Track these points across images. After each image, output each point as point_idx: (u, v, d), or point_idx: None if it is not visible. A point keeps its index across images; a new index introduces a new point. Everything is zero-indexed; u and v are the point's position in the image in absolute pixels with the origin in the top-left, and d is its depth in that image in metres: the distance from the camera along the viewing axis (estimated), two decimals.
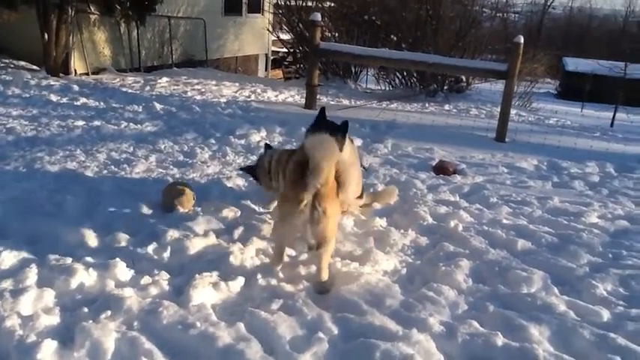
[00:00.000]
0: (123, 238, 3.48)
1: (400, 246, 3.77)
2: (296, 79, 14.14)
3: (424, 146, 7.06)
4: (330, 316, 2.71)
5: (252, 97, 10.28)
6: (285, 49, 16.60)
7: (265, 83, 12.49)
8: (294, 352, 2.40)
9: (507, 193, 5.25)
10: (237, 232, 3.73)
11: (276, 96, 10.68)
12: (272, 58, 19.65)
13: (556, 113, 12.30)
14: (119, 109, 7.87)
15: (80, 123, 6.73)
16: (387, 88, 13.87)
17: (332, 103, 10.64)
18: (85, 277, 2.89)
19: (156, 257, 3.26)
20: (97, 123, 6.80)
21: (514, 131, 8.27)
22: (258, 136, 6.73)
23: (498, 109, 8.57)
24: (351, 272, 3.20)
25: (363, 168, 5.83)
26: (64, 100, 8.19)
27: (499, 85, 10.60)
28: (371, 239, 3.80)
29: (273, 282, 3.07)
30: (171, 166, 5.26)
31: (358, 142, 7.03)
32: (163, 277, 3.02)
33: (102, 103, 8.20)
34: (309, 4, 13.97)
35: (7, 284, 2.75)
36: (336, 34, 14.52)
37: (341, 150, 3.59)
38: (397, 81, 13.63)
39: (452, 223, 4.20)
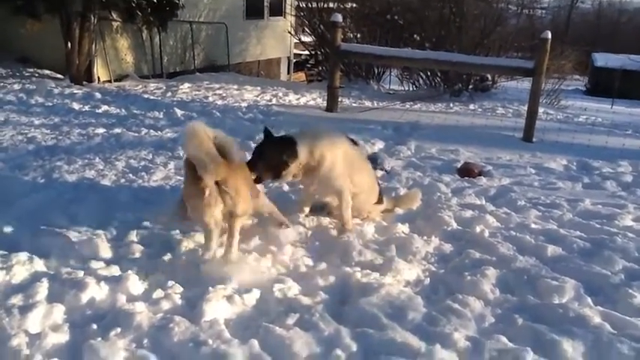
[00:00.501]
0: (137, 250, 3.41)
1: (423, 254, 3.62)
2: (318, 82, 14.01)
3: (448, 147, 6.88)
4: (349, 332, 2.57)
5: (274, 100, 10.21)
6: (307, 52, 16.49)
7: (287, 86, 12.41)
8: None
9: (536, 196, 5.05)
10: (253, 241, 3.62)
11: (298, 99, 10.59)
12: (294, 60, 19.59)
13: (585, 110, 11.92)
14: (140, 115, 7.86)
15: (100, 131, 6.72)
16: (411, 89, 13.65)
17: (354, 105, 10.49)
18: (96, 291, 2.81)
19: (169, 269, 3.17)
20: (117, 130, 6.78)
21: (542, 130, 8.02)
22: None
23: (525, 108, 8.33)
24: (371, 283, 3.05)
25: (385, 171, 5.70)
26: (86, 108, 8.22)
27: (526, 83, 10.37)
28: (392, 247, 3.65)
29: (290, 294, 2.95)
30: None
31: (380, 144, 6.89)
32: (176, 291, 2.92)
33: (123, 110, 8.20)
34: (330, 5, 13.83)
35: (17, 300, 2.68)
36: (358, 35, 14.36)
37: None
38: (421, 81, 13.40)
39: (477, 229, 4.03)
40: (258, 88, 11.55)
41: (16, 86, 9.39)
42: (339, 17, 8.77)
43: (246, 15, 16.02)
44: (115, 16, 10.93)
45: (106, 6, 10.25)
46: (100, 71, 11.18)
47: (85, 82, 10.45)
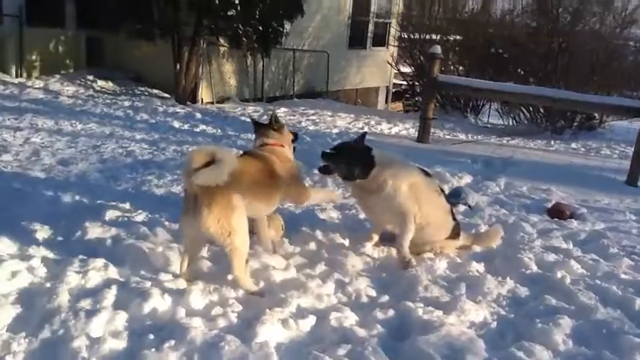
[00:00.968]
0: (205, 265, 3.51)
1: (495, 295, 3.42)
2: (415, 112, 13.91)
3: (541, 186, 6.51)
4: None
5: (366, 128, 10.24)
6: (405, 82, 16.49)
7: (381, 115, 12.42)
8: None
9: (631, 244, 4.63)
10: (319, 267, 3.61)
11: (390, 128, 10.55)
12: (394, 90, 19.59)
13: None
14: (233, 136, 8.18)
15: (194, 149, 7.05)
16: (511, 124, 13.16)
17: (447, 137, 10.28)
18: (159, 302, 2.91)
19: (232, 288, 3.21)
20: None
21: None
22: None
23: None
24: (432, 321, 2.92)
25: (468, 206, 5.49)
26: (185, 126, 8.69)
27: (637, 124, 9.62)
28: (462, 285, 3.49)
29: (346, 324, 2.89)
30: None
31: (467, 178, 6.66)
32: (235, 309, 2.96)
33: (219, 131, 8.59)
34: (433, 37, 13.73)
35: (85, 303, 2.83)
36: (460, 68, 14.13)
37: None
38: (522, 116, 12.88)
39: (559, 274, 3.75)
40: (352, 115, 11.66)
41: (126, 103, 10.16)
42: (438, 49, 8.69)
43: (349, 44, 16.28)
44: (222, 41, 11.54)
45: (215, 32, 10.86)
46: (204, 93, 11.80)
47: (189, 103, 11.08)
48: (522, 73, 12.35)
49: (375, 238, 4.17)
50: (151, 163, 6.17)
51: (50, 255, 3.47)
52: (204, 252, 3.68)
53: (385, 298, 3.27)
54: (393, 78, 18.34)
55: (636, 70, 13.99)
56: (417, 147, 8.64)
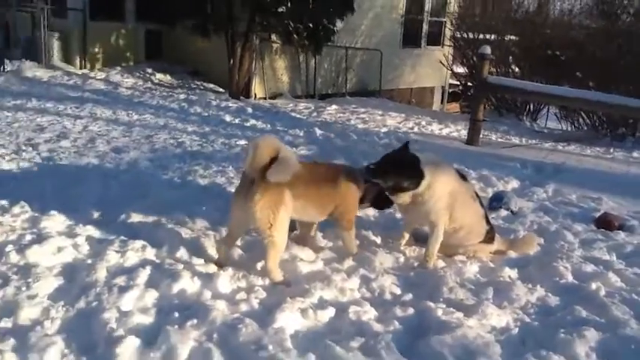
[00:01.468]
0: (237, 253, 3.64)
1: (523, 303, 3.36)
2: (469, 114, 13.69)
3: (591, 195, 6.29)
4: None
5: (416, 129, 10.18)
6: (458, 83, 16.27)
7: (432, 116, 12.30)
8: None
9: None
10: (347, 262, 3.67)
11: (441, 129, 10.44)
12: (450, 91, 19.33)
13: None
14: (282, 131, 8.33)
15: (242, 142, 7.25)
16: (569, 129, 12.74)
17: (499, 140, 10.08)
18: (188, 284, 3.06)
19: (260, 276, 3.32)
20: None
21: None
22: None
23: None
24: (450, 322, 2.92)
25: (511, 212, 5.40)
26: (236, 120, 8.92)
27: None
28: (490, 290, 3.46)
29: (364, 318, 2.93)
30: None
31: (514, 183, 6.53)
32: (258, 296, 3.07)
33: (268, 125, 8.76)
34: (487, 37, 13.47)
35: (120, 280, 3.02)
36: (516, 69, 13.80)
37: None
38: (581, 121, 12.45)
39: (594, 285, 3.64)
40: (403, 115, 11.61)
41: (182, 96, 10.52)
42: (487, 49, 8.54)
43: (403, 43, 16.21)
44: (274, 38, 11.74)
45: (267, 29, 11.08)
46: (257, 88, 12.06)
47: (242, 97, 11.35)
48: (581, 76, 11.90)
49: (407, 236, 4.19)
50: (199, 154, 6.39)
51: (95, 234, 3.70)
52: (239, 241, 3.82)
53: (409, 296, 3.29)
54: (450, 78, 18.10)
55: None
56: (466, 149, 8.53)
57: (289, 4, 10.18)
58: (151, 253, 3.45)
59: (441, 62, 15.57)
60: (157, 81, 11.95)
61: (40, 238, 3.45)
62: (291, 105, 11.56)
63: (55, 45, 11.77)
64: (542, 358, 2.67)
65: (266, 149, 3.15)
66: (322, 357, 2.51)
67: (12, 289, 2.88)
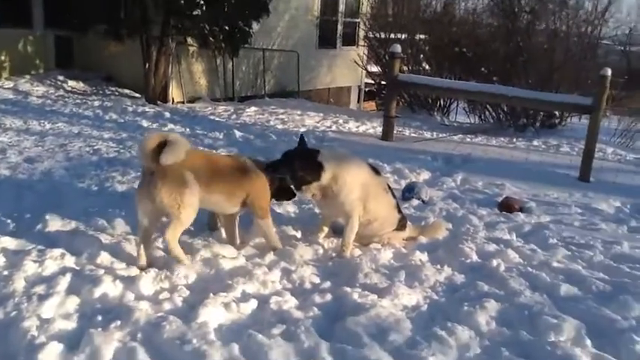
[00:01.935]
0: (159, 254, 3.70)
1: (432, 282, 3.65)
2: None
3: (495, 182, 6.81)
4: (328, 346, 2.69)
5: (333, 127, 10.46)
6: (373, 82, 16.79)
7: (349, 114, 12.65)
8: None
9: (571, 235, 4.92)
10: (268, 257, 3.81)
11: (357, 127, 10.79)
12: (367, 90, 19.86)
13: None
14: (201, 135, 8.35)
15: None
16: (477, 122, 13.51)
17: (413, 135, 10.56)
18: (110, 287, 3.09)
19: (183, 276, 3.39)
20: None
21: (605, 171, 7.74)
22: None
23: None
24: (365, 304, 3.14)
25: (422, 201, 5.74)
26: (154, 125, 8.83)
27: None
28: (402, 273, 3.72)
29: (285, 307, 3.09)
30: None
31: (426, 174, 6.93)
32: (181, 294, 3.15)
33: (187, 129, 8.74)
34: (399, 36, 14.01)
35: (39, 289, 3.01)
36: (427, 67, 14.44)
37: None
38: (487, 114, 13.23)
39: (494, 262, 4.00)
40: (321, 114, 11.88)
41: (96, 103, 10.25)
42: (397, 48, 8.94)
43: (319, 44, 16.51)
44: (190, 41, 11.66)
45: (182, 32, 10.99)
46: (174, 92, 11.91)
47: (159, 102, 11.18)
48: (486, 72, 12.67)
49: (326, 230, 4.39)
50: (116, 160, 6.31)
51: (10, 245, 3.62)
52: (160, 243, 3.87)
53: (327, 284, 3.49)
54: (365, 77, 18.61)
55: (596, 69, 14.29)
56: (381, 144, 8.91)
57: (204, 7, 10.13)
58: (70, 261, 3.44)
59: (355, 62, 15.98)
60: (69, 88, 11.53)
61: None
62: (210, 108, 11.53)
63: None
64: (448, 329, 2.92)
65: (153, 139, 3.31)
66: (245, 346, 2.64)
67: None
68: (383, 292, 3.36)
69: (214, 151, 4.31)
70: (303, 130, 9.66)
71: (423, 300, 3.38)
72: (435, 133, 10.96)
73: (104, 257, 3.55)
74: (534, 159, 8.71)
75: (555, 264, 4.12)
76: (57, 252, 3.49)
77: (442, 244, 4.44)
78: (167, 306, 2.99)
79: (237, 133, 8.54)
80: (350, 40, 17.51)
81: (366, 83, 19.13)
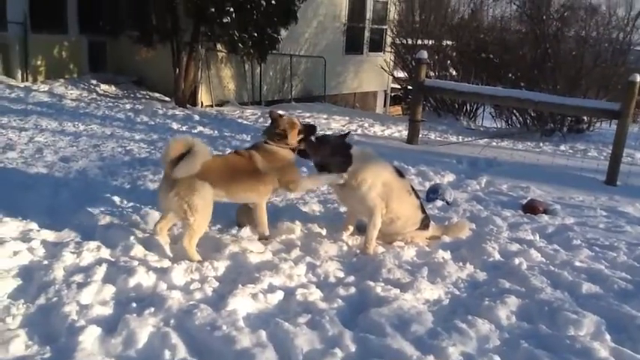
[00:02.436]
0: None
1: (454, 279, 3.73)
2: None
3: (520, 184, 6.82)
4: (352, 335, 2.80)
5: (359, 130, 10.55)
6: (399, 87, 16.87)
7: (375, 118, 12.73)
8: None
9: (595, 237, 4.93)
10: (294, 252, 3.93)
11: (383, 131, 10.86)
12: (392, 95, 19.93)
13: None
14: (229, 137, 8.53)
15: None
16: (503, 126, 13.46)
17: (438, 138, 10.58)
18: (144, 278, 3.25)
19: (212, 267, 3.54)
20: None
21: (632, 175, 7.66)
22: None
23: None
24: (388, 297, 3.24)
25: (446, 202, 5.80)
26: (184, 128, 9.05)
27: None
28: (425, 269, 3.81)
29: (310, 299, 3.21)
30: None
31: (450, 177, 6.97)
32: (211, 285, 3.29)
33: (216, 132, 8.94)
34: (426, 42, 14.07)
35: (78, 278, 3.18)
36: (454, 73, 14.45)
37: None
38: (514, 119, 13.18)
39: (517, 261, 4.05)
40: (347, 118, 11.99)
41: (128, 106, 10.55)
42: (424, 54, 9.01)
43: (346, 50, 16.67)
44: (219, 47, 11.92)
45: (212, 38, 11.25)
46: (203, 96, 12.18)
47: (188, 106, 11.45)
48: (513, 78, 12.63)
49: (351, 228, 4.50)
50: (147, 160, 6.52)
51: (49, 238, 3.82)
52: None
53: (351, 278, 3.59)
54: (392, 83, 18.68)
55: (627, 75, 14.09)
56: (406, 147, 8.97)
57: (234, 15, 10.37)
58: (106, 253, 3.62)
59: (381, 67, 16.08)
60: (102, 92, 11.89)
61: None
62: (237, 112, 11.74)
63: None
64: (468, 322, 3.00)
65: (177, 147, 3.55)
66: (272, 333, 2.76)
67: None
68: (405, 286, 3.45)
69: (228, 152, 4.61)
70: (329, 132, 9.76)
71: (444, 295, 3.46)
72: (460, 137, 10.95)
73: (138, 250, 3.71)
74: (560, 163, 8.67)
75: (578, 263, 4.15)
76: (93, 244, 3.67)
77: (465, 243, 4.50)
78: (198, 295, 3.13)
79: None
80: (377, 46, 17.63)
81: (392, 88, 19.19)
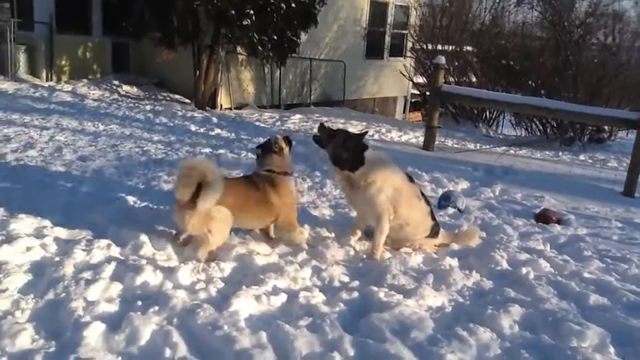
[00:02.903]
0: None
1: (459, 286, 3.73)
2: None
3: (535, 194, 6.77)
4: (351, 339, 2.82)
5: (375, 136, 10.56)
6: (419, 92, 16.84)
7: (393, 124, 12.74)
8: None
9: (607, 248, 4.88)
10: (301, 255, 3.97)
11: (400, 136, 10.86)
12: (413, 100, 19.88)
13: None
14: (245, 140, 8.61)
15: (206, 150, 7.51)
16: (523, 134, 13.36)
17: (455, 145, 10.55)
18: (151, 276, 3.31)
19: (218, 268, 3.59)
20: (221, 151, 7.53)
21: None
22: None
23: None
24: (390, 302, 3.25)
25: (458, 210, 5.79)
26: (201, 130, 9.17)
27: None
28: (430, 276, 3.81)
29: (313, 302, 3.24)
30: None
31: (464, 184, 6.95)
32: (216, 285, 3.34)
33: (233, 134, 9.03)
34: (446, 47, 14.05)
35: (86, 274, 3.25)
36: (473, 79, 14.39)
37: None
38: (534, 127, 13.07)
39: (524, 270, 4.03)
40: (364, 123, 12.02)
41: (148, 107, 10.72)
42: (442, 59, 9.00)
43: (366, 55, 16.70)
44: (239, 50, 12.04)
45: (232, 41, 11.38)
46: (223, 99, 12.32)
47: (208, 108, 11.59)
48: (534, 85, 12.54)
49: (359, 233, 4.52)
50: (163, 161, 6.62)
51: (62, 235, 3.91)
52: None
53: (355, 283, 3.61)
54: (412, 88, 18.65)
55: None
56: (421, 154, 8.96)
57: (254, 18, 10.48)
58: (115, 251, 3.69)
59: (401, 72, 16.07)
60: (123, 93, 12.11)
61: (10, 239, 3.64)
62: (256, 115, 11.85)
63: (22, 58, 11.83)
64: (469, 330, 3.00)
65: (192, 177, 3.57)
66: (273, 335, 2.80)
67: None
68: (409, 292, 3.46)
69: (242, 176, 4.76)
70: None
71: (448, 302, 3.46)
72: (478, 145, 10.91)
73: (147, 249, 3.78)
74: (578, 172, 8.59)
75: (587, 274, 4.11)
76: (104, 242, 3.74)
77: (473, 251, 4.50)
78: (202, 295, 3.19)
79: None
80: (397, 51, 17.63)
81: (412, 94, 19.16)
